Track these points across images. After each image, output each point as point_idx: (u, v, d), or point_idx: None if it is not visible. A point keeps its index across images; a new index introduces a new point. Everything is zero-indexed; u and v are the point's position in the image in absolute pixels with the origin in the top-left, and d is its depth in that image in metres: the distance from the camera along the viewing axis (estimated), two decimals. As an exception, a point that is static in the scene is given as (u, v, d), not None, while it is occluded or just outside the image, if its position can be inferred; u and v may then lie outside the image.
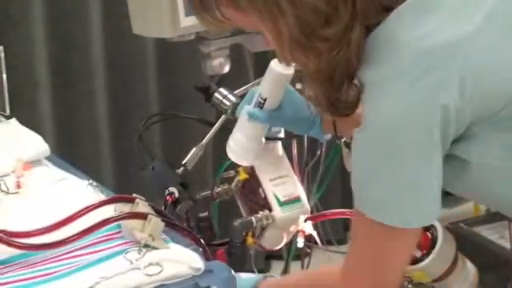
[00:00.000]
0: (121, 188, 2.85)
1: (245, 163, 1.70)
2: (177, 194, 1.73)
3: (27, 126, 2.04)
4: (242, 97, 1.85)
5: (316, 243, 1.92)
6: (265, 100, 1.59)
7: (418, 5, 1.24)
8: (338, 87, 1.28)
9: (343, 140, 1.69)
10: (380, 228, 1.29)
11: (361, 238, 1.36)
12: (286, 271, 2.31)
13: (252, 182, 1.79)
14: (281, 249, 1.85)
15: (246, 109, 1.63)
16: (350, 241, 1.42)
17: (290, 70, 1.57)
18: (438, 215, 1.32)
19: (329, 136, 1.69)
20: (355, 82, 1.28)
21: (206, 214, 1.83)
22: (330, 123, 1.62)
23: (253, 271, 2.16)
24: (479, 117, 1.25)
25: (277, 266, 3.07)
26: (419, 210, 1.29)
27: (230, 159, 1.70)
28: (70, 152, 2.78)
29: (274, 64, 1.57)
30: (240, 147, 1.65)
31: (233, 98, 1.85)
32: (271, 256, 3.25)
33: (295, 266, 2.39)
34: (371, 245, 1.34)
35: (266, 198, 1.77)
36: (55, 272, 1.36)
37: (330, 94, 1.29)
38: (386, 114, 1.22)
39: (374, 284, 1.36)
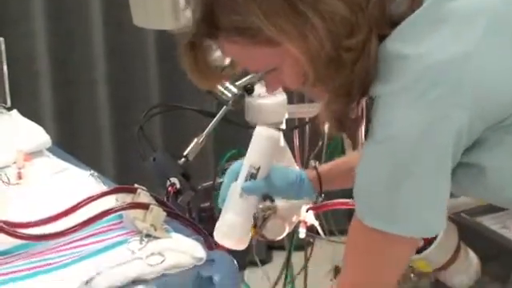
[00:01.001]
0: (122, 178, 2.84)
1: (243, 246, 1.54)
2: (178, 185, 1.73)
3: (28, 117, 2.03)
4: (244, 88, 1.85)
5: (318, 233, 1.92)
6: (258, 169, 1.50)
7: (421, 20, 1.24)
8: (352, 101, 1.29)
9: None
10: (380, 235, 1.28)
11: (360, 247, 1.35)
12: (288, 261, 2.31)
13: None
14: (283, 239, 1.85)
15: (236, 186, 1.52)
16: (345, 251, 1.38)
17: (277, 132, 1.53)
18: (444, 227, 1.32)
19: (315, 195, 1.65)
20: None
21: (207, 204, 1.83)
22: (316, 180, 1.61)
23: (255, 262, 2.16)
24: (491, 123, 1.24)
25: (279, 257, 3.06)
26: (425, 220, 1.29)
27: (231, 150, 1.69)
28: (70, 142, 2.78)
29: (262, 129, 1.52)
30: (236, 230, 1.52)
31: (234, 89, 1.84)
32: (273, 246, 3.24)
33: (297, 256, 2.38)
34: (371, 253, 1.33)
35: (267, 188, 1.76)
36: (56, 262, 1.36)
37: (342, 109, 1.30)
38: (401, 128, 1.22)
39: None
